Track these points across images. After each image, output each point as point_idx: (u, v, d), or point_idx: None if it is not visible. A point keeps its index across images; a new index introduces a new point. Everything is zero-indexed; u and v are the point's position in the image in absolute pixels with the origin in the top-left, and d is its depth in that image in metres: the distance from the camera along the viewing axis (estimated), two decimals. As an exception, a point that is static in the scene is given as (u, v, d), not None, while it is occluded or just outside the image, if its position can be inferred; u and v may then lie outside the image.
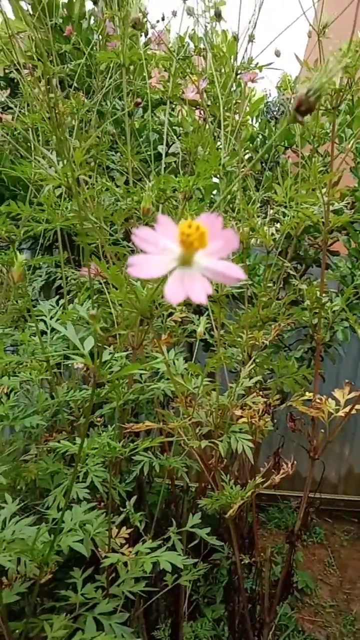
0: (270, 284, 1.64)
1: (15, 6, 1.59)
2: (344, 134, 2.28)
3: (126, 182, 1.70)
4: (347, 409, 1.08)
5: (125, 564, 0.89)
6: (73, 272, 1.60)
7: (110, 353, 0.60)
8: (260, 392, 1.21)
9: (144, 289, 0.83)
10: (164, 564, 0.85)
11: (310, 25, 1.03)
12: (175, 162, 2.03)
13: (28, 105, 1.30)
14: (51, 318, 1.09)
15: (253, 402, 1.04)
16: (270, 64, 1.07)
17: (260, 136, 2.42)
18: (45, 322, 1.08)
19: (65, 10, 1.63)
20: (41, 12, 1.62)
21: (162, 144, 1.98)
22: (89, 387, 1.11)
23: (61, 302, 1.21)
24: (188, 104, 2.20)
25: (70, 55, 1.64)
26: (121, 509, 1.07)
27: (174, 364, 1.01)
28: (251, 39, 1.13)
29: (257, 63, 1.10)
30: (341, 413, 1.07)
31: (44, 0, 1.60)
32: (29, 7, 1.67)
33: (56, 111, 1.27)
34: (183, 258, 0.31)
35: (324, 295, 1.60)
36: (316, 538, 3.34)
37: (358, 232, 2.12)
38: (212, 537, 1.01)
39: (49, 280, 1.87)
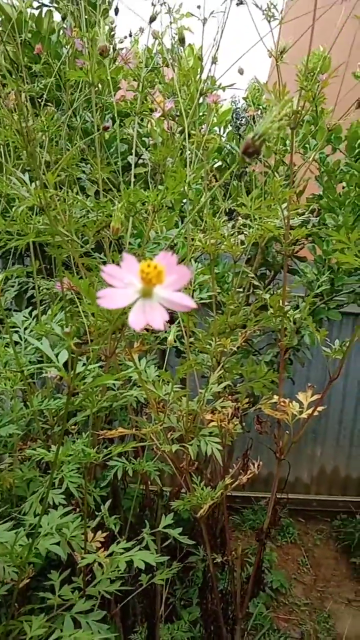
0: (240, 290, 1.69)
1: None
2: (309, 144, 2.35)
3: (96, 193, 1.74)
4: (310, 411, 1.13)
5: (101, 565, 0.92)
6: (46, 282, 1.63)
7: (84, 364, 0.64)
8: (230, 397, 1.26)
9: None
10: (138, 562, 0.88)
11: (268, 50, 1.09)
12: (145, 172, 2.07)
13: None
14: (25, 329, 1.12)
15: (222, 407, 1.09)
16: (232, 84, 1.12)
17: (229, 146, 2.48)
18: (19, 333, 1.11)
19: (34, 25, 1.66)
20: (10, 28, 1.65)
21: (131, 155, 2.02)
22: (63, 396, 1.14)
23: (34, 313, 1.24)
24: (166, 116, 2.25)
25: (41, 70, 1.67)
26: (97, 514, 1.10)
27: (146, 372, 1.05)
28: (214, 60, 1.18)
29: (220, 84, 1.15)
30: (304, 415, 1.13)
31: (12, 17, 1.63)
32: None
33: (27, 127, 1.30)
34: (144, 291, 0.36)
35: (288, 302, 1.66)
36: (290, 538, 3.40)
37: (322, 239, 2.19)
38: (184, 537, 1.05)
39: (21, 290, 1.89)
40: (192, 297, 1.04)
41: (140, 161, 2.21)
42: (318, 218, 2.31)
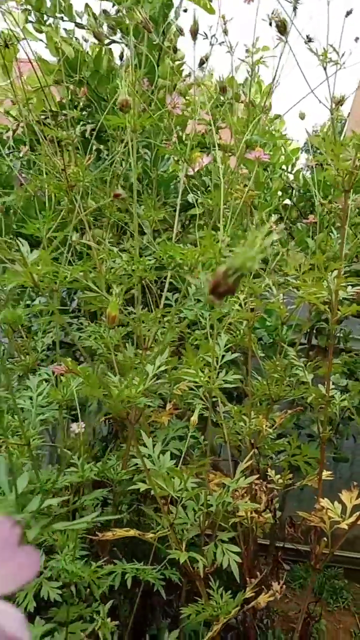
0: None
1: (42, 62, 1.59)
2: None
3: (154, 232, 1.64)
4: (353, 518, 0.95)
5: None
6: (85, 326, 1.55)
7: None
8: (261, 481, 1.11)
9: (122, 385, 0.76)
10: None
11: (319, 101, 0.96)
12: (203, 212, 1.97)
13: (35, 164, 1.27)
14: (39, 395, 1.03)
15: (245, 505, 0.94)
16: (283, 134, 1.00)
17: (295, 185, 2.34)
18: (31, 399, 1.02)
19: (93, 64, 1.62)
20: (68, 67, 1.62)
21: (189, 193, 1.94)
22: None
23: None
24: (223, 151, 2.16)
25: (95, 107, 1.62)
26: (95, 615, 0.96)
27: (159, 459, 0.91)
28: (264, 110, 1.06)
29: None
30: (344, 525, 0.94)
31: (69, 55, 1.59)
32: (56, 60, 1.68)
33: (66, 174, 1.24)
34: None
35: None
36: (343, 603, 3.10)
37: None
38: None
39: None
40: (217, 378, 0.91)
41: (200, 200, 2.11)
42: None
